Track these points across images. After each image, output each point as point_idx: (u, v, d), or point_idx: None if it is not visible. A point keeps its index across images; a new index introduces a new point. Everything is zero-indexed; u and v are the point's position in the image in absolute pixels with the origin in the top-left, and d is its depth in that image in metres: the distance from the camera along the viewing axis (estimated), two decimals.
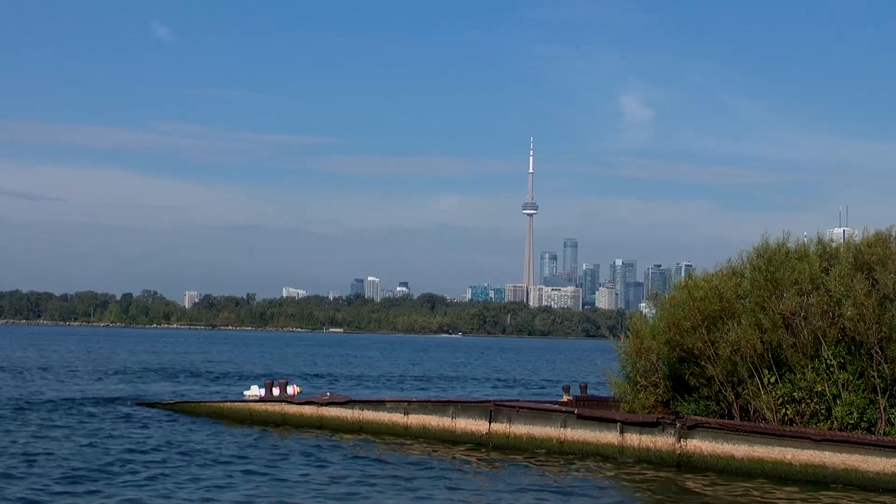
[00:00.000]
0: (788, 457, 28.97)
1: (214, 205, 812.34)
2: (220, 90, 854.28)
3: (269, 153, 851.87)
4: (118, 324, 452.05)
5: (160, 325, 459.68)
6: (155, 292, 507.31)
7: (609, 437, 32.54)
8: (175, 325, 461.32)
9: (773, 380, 30.77)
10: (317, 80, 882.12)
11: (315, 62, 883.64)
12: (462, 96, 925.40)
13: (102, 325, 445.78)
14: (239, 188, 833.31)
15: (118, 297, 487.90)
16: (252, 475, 28.70)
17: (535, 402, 41.60)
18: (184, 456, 31.95)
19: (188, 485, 26.95)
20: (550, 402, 39.24)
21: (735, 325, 31.27)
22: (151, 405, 47.23)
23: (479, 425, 35.61)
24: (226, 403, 44.29)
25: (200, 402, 45.94)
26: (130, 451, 32.87)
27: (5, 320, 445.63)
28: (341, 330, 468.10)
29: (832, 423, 29.76)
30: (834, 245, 33.28)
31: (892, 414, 29.32)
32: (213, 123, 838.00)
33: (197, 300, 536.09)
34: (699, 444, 30.72)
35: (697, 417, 31.49)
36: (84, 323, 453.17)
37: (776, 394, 30.63)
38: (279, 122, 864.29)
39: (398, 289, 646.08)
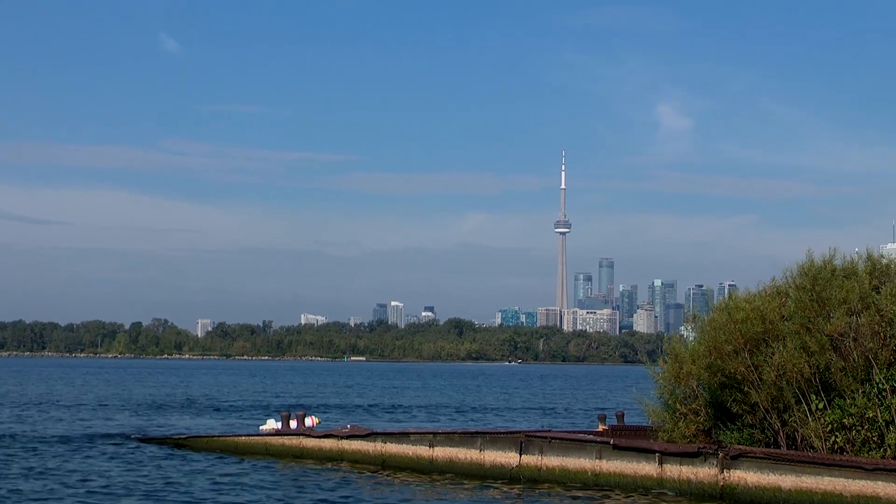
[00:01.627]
0: (839, 488, 28.83)
1: (227, 227, 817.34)
2: (233, 105, 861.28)
3: (284, 172, 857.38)
4: (127, 355, 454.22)
5: (171, 355, 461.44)
6: (165, 321, 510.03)
7: (647, 468, 32.51)
8: (187, 356, 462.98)
9: (821, 406, 30.71)
10: (334, 93, 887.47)
11: (332, 75, 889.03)
12: (489, 109, 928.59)
13: (110, 356, 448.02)
14: (253, 209, 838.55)
15: (127, 327, 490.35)
16: None
17: (569, 432, 41.58)
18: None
19: None
20: (585, 432, 39.26)
21: (780, 347, 31.25)
22: (161, 441, 47.41)
23: (508, 458, 35.66)
24: (240, 438, 44.44)
25: (213, 436, 46.11)
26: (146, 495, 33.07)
27: (8, 352, 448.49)
28: (363, 358, 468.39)
29: (885, 450, 29.66)
30: (885, 261, 33.21)
31: None
32: (226, 141, 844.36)
33: (210, 329, 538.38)
34: (743, 475, 30.65)
35: (741, 447, 31.43)
36: (91, 354, 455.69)
37: (825, 420, 30.56)
38: (295, 138, 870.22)
39: (423, 314, 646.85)
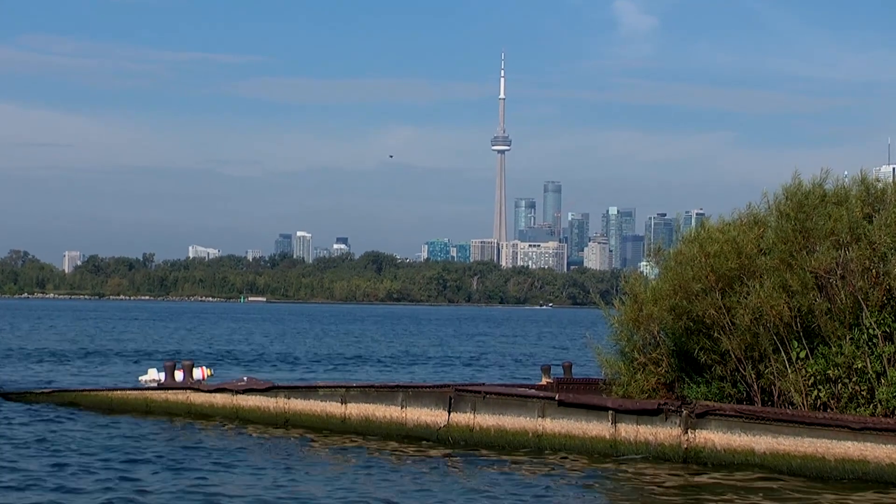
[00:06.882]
0: (822, 450, 29.31)
1: (102, 142, 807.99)
2: None
3: (173, 76, 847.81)
4: None
5: (33, 294, 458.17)
6: (26, 253, 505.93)
7: (599, 428, 32.81)
8: (52, 295, 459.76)
9: (802, 355, 31.08)
10: None
11: None
12: (417, 4, 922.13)
13: None
14: (134, 121, 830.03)
15: None
16: None
17: (507, 385, 41.89)
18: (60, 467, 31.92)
19: None
20: (526, 386, 39.49)
21: (757, 286, 31.50)
22: (19, 395, 46.90)
23: (435, 416, 35.79)
24: (115, 392, 44.25)
25: (82, 390, 45.82)
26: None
27: None
28: (263, 299, 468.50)
29: (875, 407, 30.11)
30: (880, 186, 33.51)
31: None
32: (103, 38, 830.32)
33: (79, 263, 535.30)
34: (711, 436, 31.04)
35: (709, 403, 31.80)
36: None
37: (806, 372, 30.94)
38: (188, 36, 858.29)
39: (335, 246, 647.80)
